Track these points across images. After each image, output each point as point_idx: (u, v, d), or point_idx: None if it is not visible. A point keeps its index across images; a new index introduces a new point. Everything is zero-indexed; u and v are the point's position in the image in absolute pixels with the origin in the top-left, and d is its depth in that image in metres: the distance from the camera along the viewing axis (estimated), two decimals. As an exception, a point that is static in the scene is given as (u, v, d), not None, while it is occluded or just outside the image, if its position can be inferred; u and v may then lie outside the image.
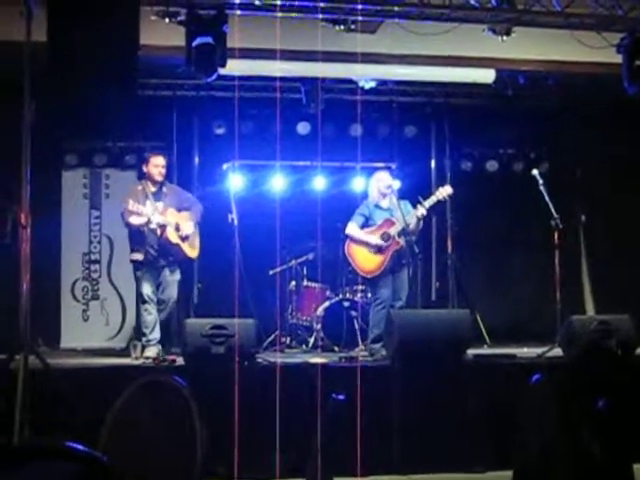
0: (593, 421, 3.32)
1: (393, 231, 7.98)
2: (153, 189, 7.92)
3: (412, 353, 6.78)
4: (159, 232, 7.71)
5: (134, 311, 10.00)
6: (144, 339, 7.75)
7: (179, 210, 7.90)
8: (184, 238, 7.83)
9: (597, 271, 10.79)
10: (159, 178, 7.94)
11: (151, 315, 7.76)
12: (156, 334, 7.76)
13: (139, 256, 7.79)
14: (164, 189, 7.98)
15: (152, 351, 7.62)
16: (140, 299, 7.83)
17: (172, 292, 7.91)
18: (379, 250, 7.98)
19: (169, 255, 7.83)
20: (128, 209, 7.62)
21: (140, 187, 7.94)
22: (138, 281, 7.84)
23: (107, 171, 10.17)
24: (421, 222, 8.07)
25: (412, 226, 7.90)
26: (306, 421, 6.05)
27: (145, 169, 8.02)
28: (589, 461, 3.17)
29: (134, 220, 7.71)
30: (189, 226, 7.86)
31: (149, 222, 7.66)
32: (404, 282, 8.06)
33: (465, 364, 7.08)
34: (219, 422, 5.67)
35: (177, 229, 7.78)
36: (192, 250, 7.94)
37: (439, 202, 8.24)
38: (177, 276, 7.93)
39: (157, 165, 7.94)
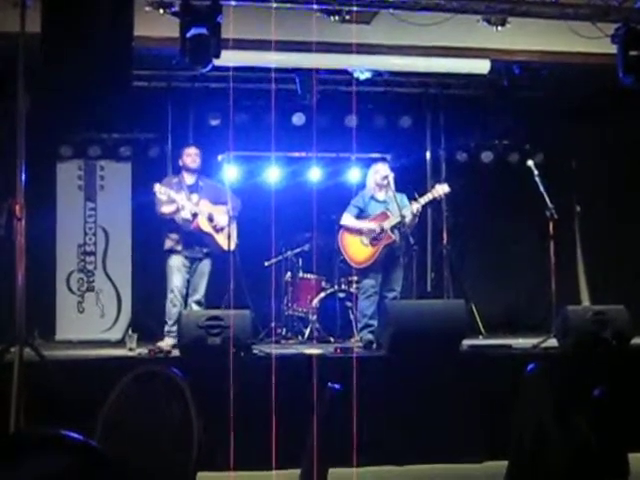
0: (588, 410, 3.33)
1: (387, 225, 7.98)
2: (189, 182, 8.04)
3: (407, 343, 6.79)
4: (191, 220, 7.77)
5: (129, 303, 10.02)
6: (165, 328, 7.79)
7: (215, 203, 7.97)
8: (218, 229, 7.88)
9: (592, 261, 10.81)
10: (193, 165, 8.05)
11: (175, 307, 7.81)
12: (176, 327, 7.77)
13: (173, 244, 7.87)
14: (200, 182, 8.09)
15: (167, 342, 7.63)
16: (168, 289, 7.91)
17: (204, 285, 7.97)
18: (372, 240, 7.98)
19: (203, 246, 7.91)
20: (157, 196, 7.70)
21: (175, 179, 8.08)
22: (169, 271, 7.91)
23: (102, 162, 10.15)
24: (416, 217, 8.06)
25: (407, 220, 7.90)
26: (302, 411, 6.07)
27: (180, 162, 8.15)
28: (584, 450, 3.18)
29: (165, 209, 7.82)
30: (223, 219, 7.92)
31: (180, 209, 7.72)
32: (397, 273, 8.07)
33: (460, 355, 7.09)
34: (215, 413, 5.67)
35: (210, 219, 7.85)
36: (226, 242, 7.95)
37: (435, 199, 8.25)
38: (207, 268, 7.98)
39: (190, 154, 8.10)
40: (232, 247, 7.99)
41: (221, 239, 7.93)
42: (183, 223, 7.86)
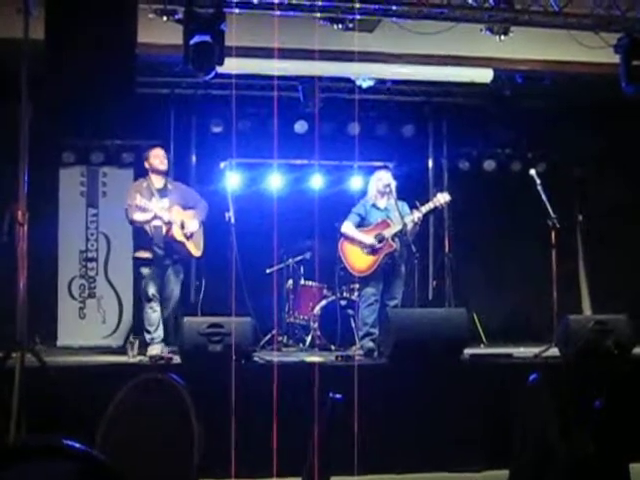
0: (589, 420, 3.32)
1: (387, 233, 7.97)
2: (158, 185, 7.90)
3: (409, 352, 6.79)
4: (165, 230, 7.70)
5: (131, 309, 10.01)
6: (148, 337, 7.74)
7: (184, 208, 7.90)
8: (189, 236, 7.84)
9: (594, 271, 10.80)
10: (162, 167, 7.92)
11: (155, 313, 7.75)
12: (160, 332, 7.75)
13: (146, 254, 7.78)
14: (169, 186, 7.97)
15: (156, 349, 7.62)
16: (145, 297, 7.80)
17: (176, 291, 7.93)
18: (372, 251, 7.98)
19: (174, 253, 7.84)
20: (135, 204, 7.58)
21: (145, 184, 7.89)
22: (143, 279, 7.81)
23: (104, 169, 10.17)
24: (417, 226, 8.05)
25: (408, 228, 7.89)
26: (303, 420, 6.06)
27: (146, 165, 7.98)
28: (585, 460, 3.17)
29: (138, 217, 7.68)
30: (194, 224, 7.86)
31: (155, 218, 7.65)
32: (398, 281, 8.06)
33: (462, 363, 7.08)
34: (216, 420, 5.67)
35: (182, 227, 7.78)
36: (196, 249, 7.93)
37: (436, 209, 8.24)
38: (181, 275, 7.95)
39: (157, 155, 7.95)
40: (199, 254, 7.98)
41: (191, 246, 7.89)
42: (155, 231, 7.74)
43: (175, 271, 7.89)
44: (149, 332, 7.75)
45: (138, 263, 7.87)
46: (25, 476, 2.11)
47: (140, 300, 8.15)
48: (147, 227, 7.73)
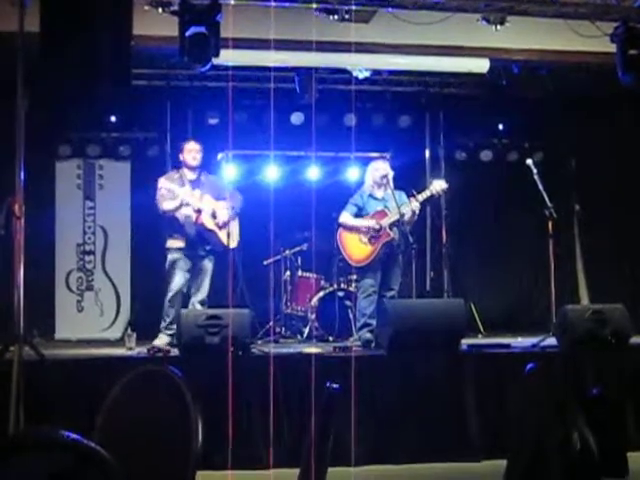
0: (587, 410, 3.33)
1: (385, 222, 7.97)
2: (190, 177, 7.90)
3: (406, 343, 6.79)
4: (194, 217, 7.70)
5: (128, 302, 10.02)
6: (163, 324, 7.71)
7: (217, 199, 7.89)
8: (221, 226, 7.82)
9: (591, 260, 10.81)
10: (193, 163, 7.91)
11: (173, 307, 7.71)
12: (174, 326, 7.70)
13: (178, 243, 7.77)
14: (202, 178, 7.98)
15: (163, 340, 7.60)
16: (169, 289, 7.79)
17: (207, 283, 7.89)
18: (370, 238, 7.97)
19: (205, 243, 7.82)
20: (160, 186, 7.61)
21: (177, 175, 7.91)
22: (172, 270, 7.78)
23: (101, 162, 10.16)
24: (415, 215, 8.04)
25: (406, 217, 7.89)
26: (300, 411, 6.07)
27: (181, 157, 7.99)
28: (582, 449, 3.18)
29: (168, 205, 7.69)
30: (225, 214, 7.84)
31: (182, 204, 7.65)
32: (396, 272, 8.06)
33: (459, 354, 7.09)
34: (214, 412, 5.67)
35: (213, 216, 7.77)
36: (230, 239, 7.87)
37: (432, 197, 8.23)
38: (210, 266, 7.91)
39: (190, 150, 7.94)
40: (233, 245, 7.95)
41: (223, 236, 7.86)
42: (185, 220, 7.75)
43: (209, 261, 7.88)
44: (164, 320, 7.74)
45: (169, 253, 7.84)
46: (23, 468, 2.12)
47: (158, 288, 8.11)
48: (178, 215, 7.73)
